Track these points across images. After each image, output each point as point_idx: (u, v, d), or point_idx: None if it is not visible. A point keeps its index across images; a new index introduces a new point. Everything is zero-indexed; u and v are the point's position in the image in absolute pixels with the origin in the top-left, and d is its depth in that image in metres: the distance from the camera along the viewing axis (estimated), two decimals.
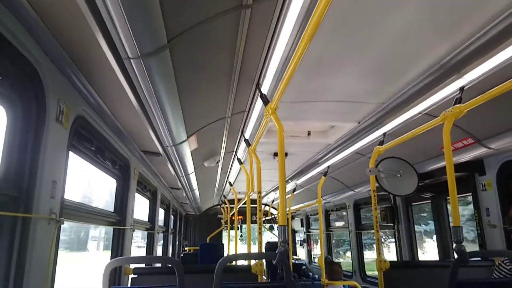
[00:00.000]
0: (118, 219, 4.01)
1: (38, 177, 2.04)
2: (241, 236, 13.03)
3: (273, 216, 13.55)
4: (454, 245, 2.57)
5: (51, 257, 2.19)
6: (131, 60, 1.99)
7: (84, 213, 3.13)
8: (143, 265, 5.31)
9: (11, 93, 1.96)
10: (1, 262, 1.88)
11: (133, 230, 4.39)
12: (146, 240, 6.49)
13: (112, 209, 4.07)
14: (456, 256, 2.54)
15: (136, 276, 3.26)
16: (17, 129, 2.00)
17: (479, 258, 3.88)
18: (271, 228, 13.69)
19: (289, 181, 7.87)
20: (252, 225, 10.29)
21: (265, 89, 3.17)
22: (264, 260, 3.49)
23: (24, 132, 2.01)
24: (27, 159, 2.01)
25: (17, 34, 1.77)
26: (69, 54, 2.15)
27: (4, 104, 1.95)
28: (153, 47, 1.92)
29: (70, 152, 2.52)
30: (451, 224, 2.63)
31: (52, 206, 2.20)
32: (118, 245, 3.99)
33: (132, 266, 3.42)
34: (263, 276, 3.32)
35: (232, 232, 11.95)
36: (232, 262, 5.46)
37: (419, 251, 6.41)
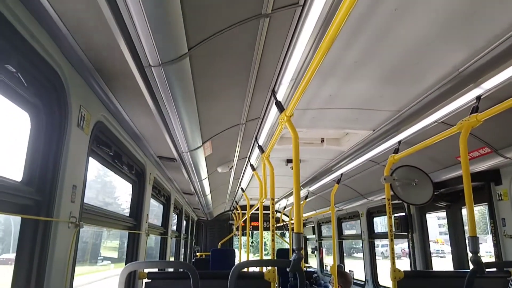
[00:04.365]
0: (133, 223, 4.05)
1: (59, 181, 2.09)
2: (252, 242, 12.99)
3: (284, 223, 13.49)
4: (470, 255, 2.55)
5: (70, 259, 2.23)
6: (152, 68, 2.03)
7: (102, 217, 3.18)
8: (156, 270, 5.33)
9: (35, 100, 2.01)
10: (23, 264, 1.93)
11: (148, 235, 4.43)
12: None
13: (127, 214, 4.12)
14: (471, 266, 2.52)
15: (150, 280, 3.28)
16: (40, 134, 2.05)
17: (495, 269, 3.82)
18: (282, 235, 13.63)
19: (302, 188, 7.84)
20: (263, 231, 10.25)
21: (280, 96, 3.18)
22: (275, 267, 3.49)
23: (47, 138, 2.06)
24: (49, 163, 2.06)
25: (42, 41, 1.82)
26: (92, 62, 2.20)
27: (29, 110, 2.00)
28: (174, 55, 1.96)
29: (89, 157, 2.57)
30: (467, 234, 2.61)
31: (72, 210, 2.24)
32: (133, 249, 4.04)
33: (146, 270, 3.45)
34: (275, 284, 3.31)
35: (244, 238, 11.93)
36: (244, 269, 5.46)
37: None
